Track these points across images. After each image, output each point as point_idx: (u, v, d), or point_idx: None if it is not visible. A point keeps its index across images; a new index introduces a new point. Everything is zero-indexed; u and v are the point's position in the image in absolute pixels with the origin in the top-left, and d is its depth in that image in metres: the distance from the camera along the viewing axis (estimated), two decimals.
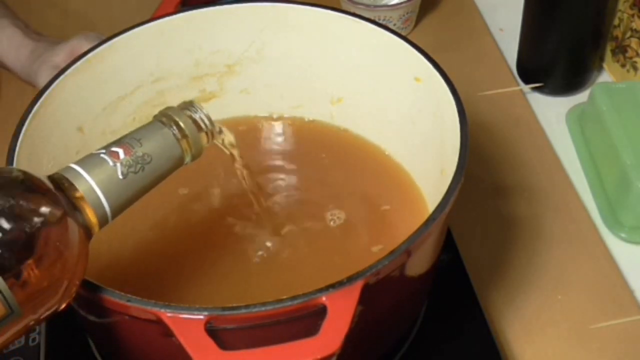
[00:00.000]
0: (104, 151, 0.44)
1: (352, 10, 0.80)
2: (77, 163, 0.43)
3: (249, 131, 0.67)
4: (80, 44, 0.72)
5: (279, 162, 0.66)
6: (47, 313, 0.40)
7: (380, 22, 0.76)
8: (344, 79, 0.65)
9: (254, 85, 0.67)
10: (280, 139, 0.68)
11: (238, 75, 0.66)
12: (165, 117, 0.47)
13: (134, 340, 0.49)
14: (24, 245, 0.38)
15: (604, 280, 0.65)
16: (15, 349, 0.58)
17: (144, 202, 0.56)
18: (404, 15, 0.86)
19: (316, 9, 0.62)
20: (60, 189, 0.41)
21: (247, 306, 0.42)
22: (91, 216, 0.42)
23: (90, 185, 0.42)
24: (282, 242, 0.59)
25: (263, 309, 0.42)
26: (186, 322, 0.42)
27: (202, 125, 0.48)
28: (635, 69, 0.79)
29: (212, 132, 0.49)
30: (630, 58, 0.79)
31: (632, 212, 0.68)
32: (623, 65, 0.81)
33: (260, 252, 0.58)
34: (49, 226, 0.39)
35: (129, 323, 0.45)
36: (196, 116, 0.48)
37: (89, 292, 0.44)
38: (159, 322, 0.42)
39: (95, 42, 0.60)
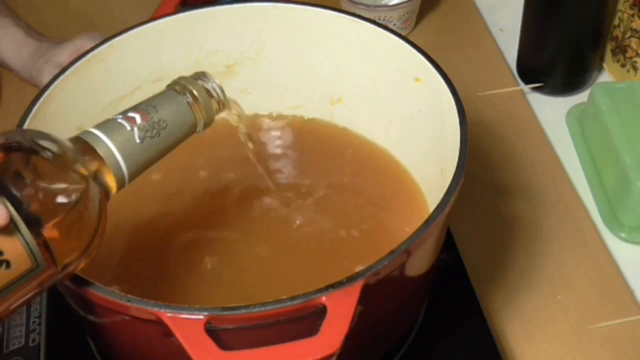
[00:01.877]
0: (121, 116, 0.45)
1: (352, 10, 0.80)
2: (96, 127, 0.45)
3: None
4: (84, 44, 0.72)
5: (277, 160, 0.66)
6: (67, 270, 0.42)
7: (380, 22, 0.76)
8: (344, 79, 0.65)
9: (254, 85, 0.67)
10: (279, 137, 0.68)
11: (238, 75, 0.66)
12: (178, 86, 0.49)
13: (134, 340, 0.49)
14: (49, 202, 0.40)
15: (604, 280, 0.65)
16: (15, 349, 0.58)
17: (141, 201, 0.56)
18: (404, 15, 0.86)
19: (316, 9, 0.62)
20: (81, 150, 0.43)
21: (247, 306, 0.42)
22: (110, 178, 0.44)
23: (110, 149, 0.44)
24: (281, 240, 0.59)
25: (263, 309, 0.42)
26: (186, 322, 0.42)
27: (214, 95, 0.50)
28: (635, 69, 0.79)
29: (223, 101, 0.51)
30: (630, 58, 0.79)
31: (632, 212, 0.68)
32: (623, 65, 0.81)
33: (259, 251, 0.58)
34: (72, 185, 0.41)
35: (129, 323, 0.45)
36: (208, 85, 0.50)
37: (89, 292, 0.44)
38: (159, 322, 0.42)
39: None
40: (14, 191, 0.39)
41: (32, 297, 0.41)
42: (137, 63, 0.61)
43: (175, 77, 0.64)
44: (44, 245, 0.39)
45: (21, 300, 0.40)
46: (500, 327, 0.62)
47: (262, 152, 0.62)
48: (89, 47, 0.59)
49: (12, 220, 0.38)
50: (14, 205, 0.38)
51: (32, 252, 0.39)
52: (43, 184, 0.40)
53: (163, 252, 0.59)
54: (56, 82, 0.56)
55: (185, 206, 0.63)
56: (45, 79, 0.57)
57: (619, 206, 0.69)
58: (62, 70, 0.57)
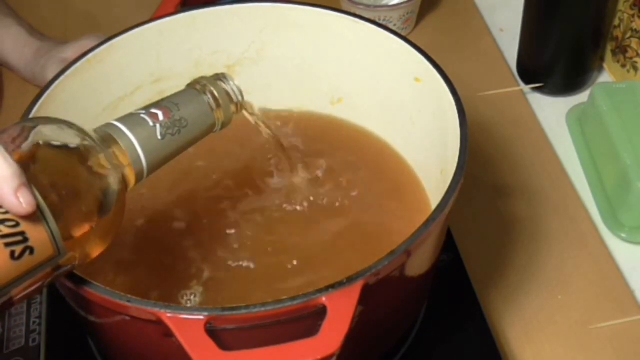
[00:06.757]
0: (143, 112, 0.46)
1: (352, 10, 0.80)
2: (119, 120, 0.45)
3: (247, 125, 0.67)
4: (89, 44, 0.72)
5: (277, 158, 0.66)
6: (85, 258, 0.43)
7: (380, 22, 0.76)
8: (344, 79, 0.65)
9: (254, 85, 0.66)
10: (279, 135, 0.68)
11: (238, 75, 0.66)
12: (199, 85, 0.50)
13: (134, 340, 0.49)
14: (74, 192, 0.41)
15: (604, 280, 0.65)
16: (15, 349, 0.58)
17: (140, 199, 0.56)
18: (404, 15, 0.86)
19: (316, 9, 0.62)
20: (105, 142, 0.44)
21: (247, 306, 0.42)
22: (130, 172, 0.45)
23: (132, 143, 0.45)
24: (279, 238, 0.59)
25: (263, 309, 0.42)
26: (186, 322, 0.42)
27: (233, 96, 0.51)
28: (635, 69, 0.79)
29: (241, 102, 0.52)
30: (630, 58, 0.79)
31: (632, 212, 0.68)
32: (623, 65, 0.81)
33: (257, 250, 0.58)
34: (96, 176, 0.42)
35: (129, 323, 0.45)
36: (228, 87, 0.51)
37: (89, 292, 0.44)
38: (159, 322, 0.42)
39: None
40: (41, 180, 0.40)
41: (49, 283, 0.42)
42: (137, 63, 0.61)
43: (174, 77, 0.64)
44: (67, 233, 0.40)
45: (38, 285, 0.41)
46: (500, 327, 0.62)
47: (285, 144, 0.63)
48: None
49: (38, 207, 0.39)
50: (40, 193, 0.39)
51: (55, 240, 0.40)
52: (69, 174, 0.41)
53: (159, 248, 0.59)
54: (56, 82, 0.56)
55: (177, 204, 0.63)
56: (50, 75, 0.57)
57: (619, 206, 0.69)
58: (62, 71, 0.57)
